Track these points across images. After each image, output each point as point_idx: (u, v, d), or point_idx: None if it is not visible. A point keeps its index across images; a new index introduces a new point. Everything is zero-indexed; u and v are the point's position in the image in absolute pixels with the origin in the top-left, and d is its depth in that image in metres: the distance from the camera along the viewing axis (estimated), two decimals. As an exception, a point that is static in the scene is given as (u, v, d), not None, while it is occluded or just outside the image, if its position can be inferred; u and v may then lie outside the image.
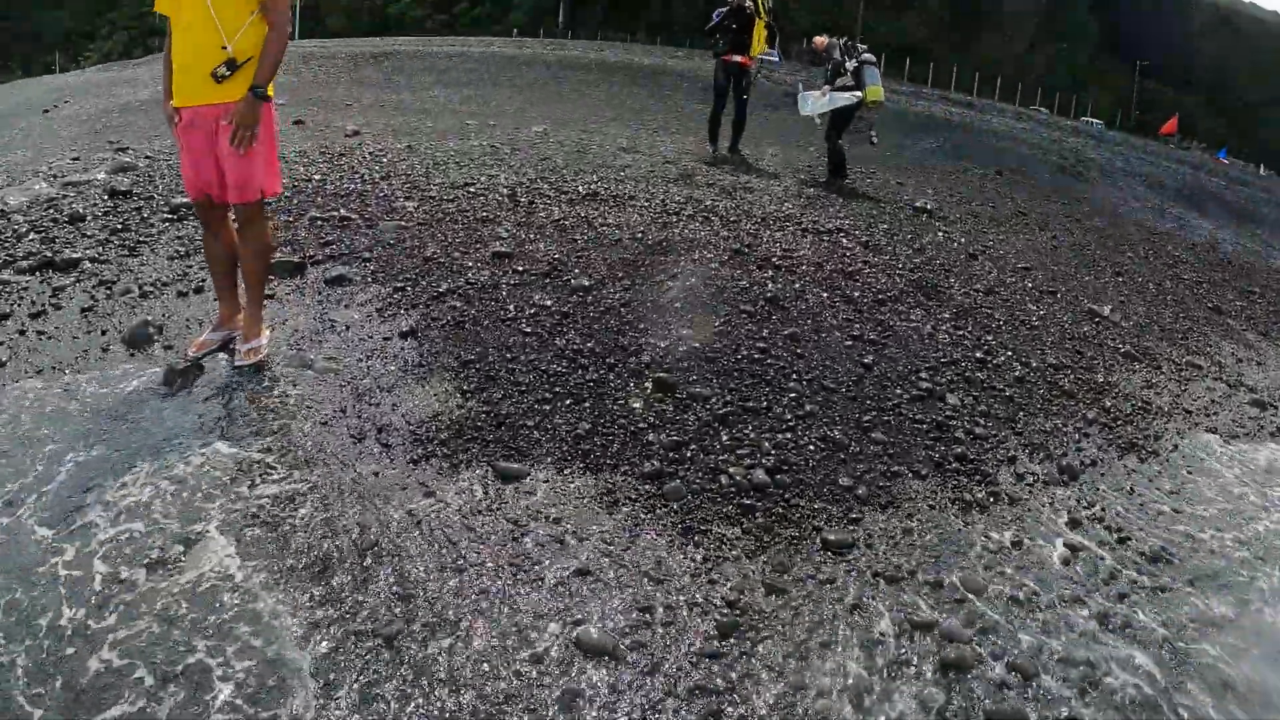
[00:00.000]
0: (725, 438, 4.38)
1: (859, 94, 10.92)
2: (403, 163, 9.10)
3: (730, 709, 3.01)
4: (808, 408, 4.74)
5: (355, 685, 2.94)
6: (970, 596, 3.71)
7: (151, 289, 5.83)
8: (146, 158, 9.89)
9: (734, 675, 3.14)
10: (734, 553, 3.71)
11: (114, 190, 7.88)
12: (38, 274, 6.05)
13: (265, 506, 3.75)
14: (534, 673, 3.05)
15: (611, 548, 3.64)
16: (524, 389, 4.64)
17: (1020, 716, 3.15)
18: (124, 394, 4.58)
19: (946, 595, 3.69)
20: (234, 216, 4.79)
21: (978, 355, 6.06)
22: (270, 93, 4.53)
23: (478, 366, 4.84)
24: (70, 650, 2.99)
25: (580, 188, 8.42)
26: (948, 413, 5.14)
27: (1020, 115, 30.69)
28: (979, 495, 4.47)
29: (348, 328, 5.34)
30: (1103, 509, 4.65)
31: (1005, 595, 3.77)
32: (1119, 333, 7.74)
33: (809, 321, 5.70)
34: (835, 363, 5.29)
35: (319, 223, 6.99)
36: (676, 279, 5.98)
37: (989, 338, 6.51)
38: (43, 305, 5.56)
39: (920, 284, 7.25)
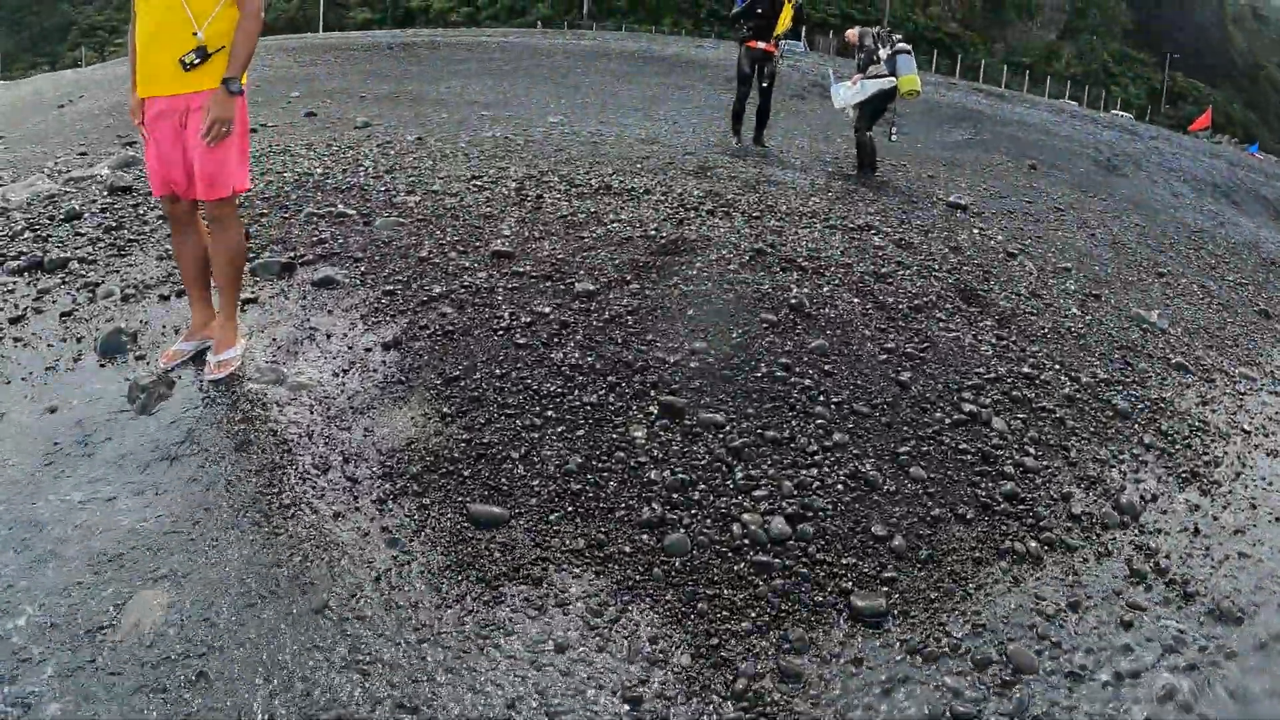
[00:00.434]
0: (740, 475, 3.71)
1: (892, 80, 10.18)
2: (410, 155, 8.48)
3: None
4: (836, 437, 4.07)
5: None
6: (1021, 677, 3.05)
7: (133, 292, 5.30)
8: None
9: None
10: (744, 625, 3.05)
11: (114, 186, 7.41)
12: (25, 275, 5.65)
13: (202, 555, 3.14)
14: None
15: (599, 619, 3.00)
16: (511, 412, 4.00)
17: None
18: (78, 415, 4.02)
19: (994, 675, 3.03)
20: (203, 215, 4.26)
21: (1024, 370, 5.36)
22: (244, 83, 4.01)
23: (462, 384, 4.20)
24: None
25: (593, 181, 7.75)
26: (994, 440, 4.46)
27: (1053, 108, 29.61)
28: (1030, 545, 3.79)
29: (329, 337, 4.74)
30: (1165, 556, 3.97)
31: (1060, 672, 3.11)
32: (1167, 341, 7.02)
33: (838, 332, 5.02)
34: (868, 381, 4.61)
35: (315, 219, 6.40)
36: (691, 283, 5.31)
37: (1034, 348, 5.81)
38: (25, 309, 5.13)
39: (959, 287, 6.55)
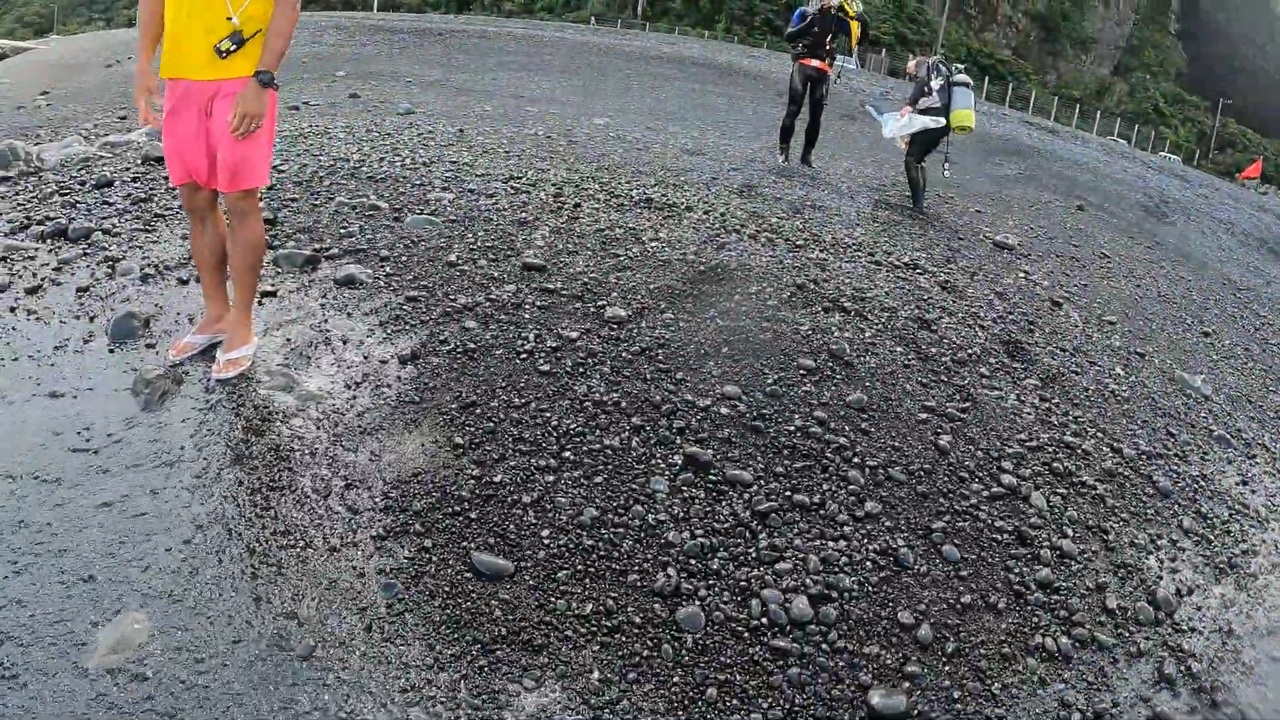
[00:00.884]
0: (764, 544, 3.43)
1: (941, 120, 9.82)
2: (450, 148, 8.23)
3: None
4: (869, 507, 3.77)
5: None
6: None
7: (153, 272, 5.11)
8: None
9: None
10: (754, 717, 2.78)
11: (148, 156, 7.24)
12: (49, 242, 5.49)
13: (191, 579, 2.91)
14: None
15: (599, 699, 2.73)
16: (527, 449, 3.73)
17: None
18: (80, 405, 3.82)
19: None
20: (224, 207, 4.03)
21: (1067, 438, 5.05)
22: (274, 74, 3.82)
23: (479, 412, 3.95)
24: None
25: (634, 192, 7.48)
26: (1032, 519, 4.15)
27: (1104, 147, 29.03)
28: (1061, 642, 3.49)
29: (345, 342, 4.50)
30: (1196, 659, 3.68)
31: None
32: (1210, 410, 6.68)
33: (879, 385, 4.72)
34: (906, 444, 4.31)
35: (345, 210, 6.17)
36: (727, 317, 5.03)
37: (1078, 413, 5.50)
38: (43, 280, 4.95)
39: (1003, 339, 6.24)
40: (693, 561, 3.28)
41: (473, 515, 3.36)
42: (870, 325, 5.41)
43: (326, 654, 2.78)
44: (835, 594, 3.29)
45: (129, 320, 4.56)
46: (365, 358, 4.38)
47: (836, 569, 3.40)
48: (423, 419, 3.92)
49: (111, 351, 4.32)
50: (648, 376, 4.29)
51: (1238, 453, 6.03)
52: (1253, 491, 5.49)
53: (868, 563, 3.48)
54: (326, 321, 4.69)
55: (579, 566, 3.19)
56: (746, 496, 3.63)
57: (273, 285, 5.01)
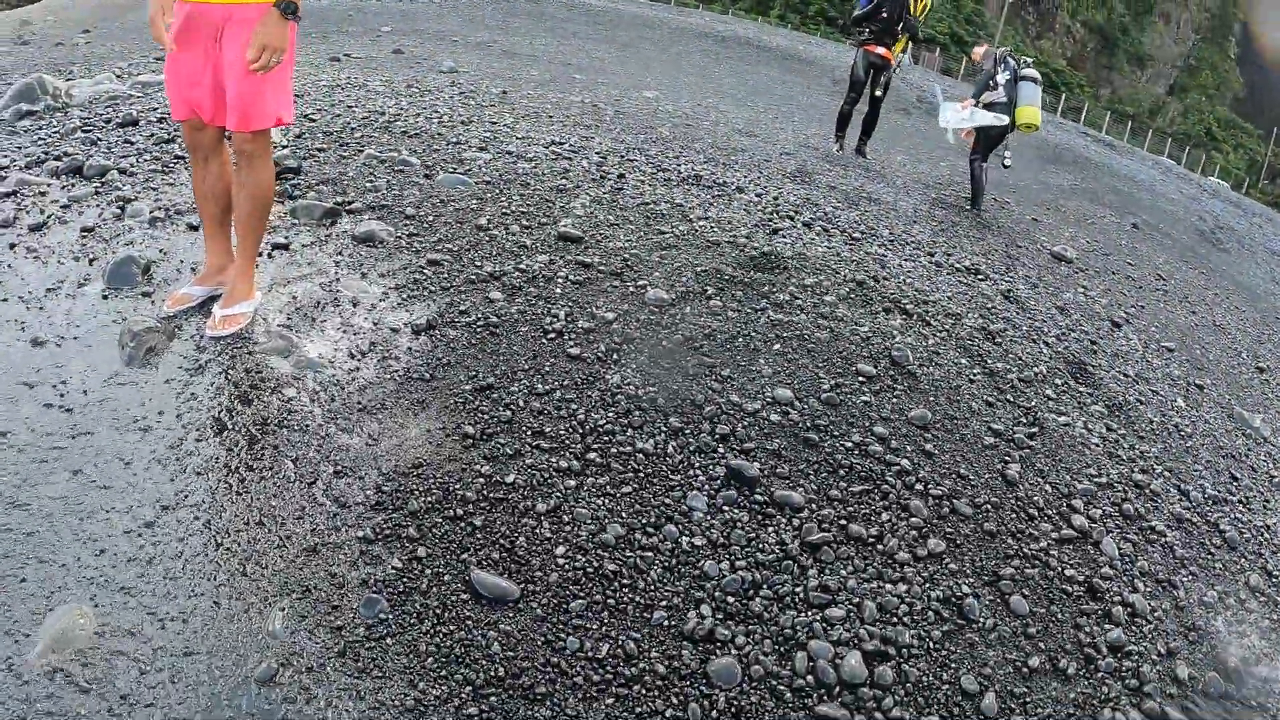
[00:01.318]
0: (814, 584, 2.89)
1: (1004, 119, 9.16)
2: (490, 109, 7.69)
3: None
4: (932, 544, 3.23)
5: None
6: None
7: (163, 216, 4.66)
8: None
9: None
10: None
11: None
12: (62, 179, 5.08)
13: (149, 571, 2.42)
14: None
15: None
16: (547, 446, 3.21)
17: None
18: (62, 354, 3.36)
19: None
20: (233, 148, 3.54)
21: (1136, 476, 4.50)
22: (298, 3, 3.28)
23: (495, 396, 3.43)
24: None
25: (682, 168, 6.91)
26: (1104, 569, 3.60)
27: (1159, 166, 28.00)
28: (1132, 717, 2.96)
29: (355, 305, 4.00)
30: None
31: None
32: (1269, 453, 6.09)
33: (943, 400, 4.16)
34: (973, 471, 3.76)
35: (374, 163, 5.66)
36: (781, 310, 4.47)
37: (1144, 447, 4.93)
38: (49, 217, 4.54)
39: (1068, 358, 5.65)
40: (731, 599, 2.74)
41: (477, 522, 2.85)
42: (933, 332, 4.84)
43: (290, 680, 2.29)
44: (893, 650, 2.75)
45: (128, 265, 4.11)
46: (375, 324, 3.87)
47: (895, 619, 2.86)
48: (431, 400, 3.40)
49: (105, 298, 3.88)
50: (690, 371, 3.75)
51: (1303, 501, 5.46)
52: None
53: (930, 613, 2.95)
54: (338, 281, 4.19)
55: (597, 596, 2.67)
56: (796, 523, 3.09)
57: (286, 237, 4.53)
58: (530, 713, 2.30)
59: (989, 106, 9.18)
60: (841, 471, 3.40)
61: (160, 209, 4.75)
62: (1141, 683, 3.15)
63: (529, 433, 3.25)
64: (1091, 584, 3.48)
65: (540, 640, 2.49)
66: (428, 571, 2.69)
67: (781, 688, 2.53)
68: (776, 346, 4.07)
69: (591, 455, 3.18)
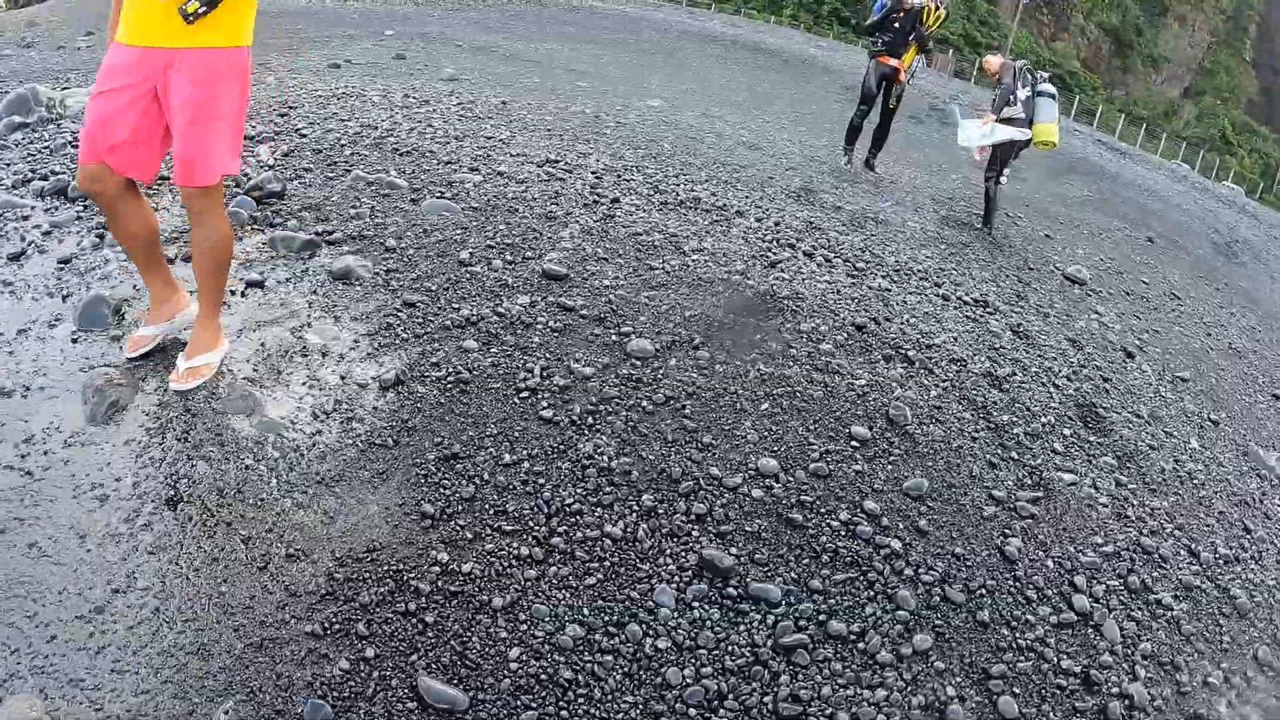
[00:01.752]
0: (785, 692, 2.63)
1: (1027, 132, 8.84)
2: (489, 121, 7.42)
3: None
4: (918, 640, 2.96)
5: None
6: None
7: None
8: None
9: None
10: None
11: None
12: (46, 200, 4.85)
13: (89, 665, 2.18)
14: None
15: None
16: (510, 528, 2.96)
17: None
18: (26, 407, 3.14)
19: None
20: (183, 204, 3.34)
21: (1144, 539, 4.23)
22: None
23: (460, 468, 3.18)
24: None
25: (681, 189, 6.63)
26: (1104, 656, 3.34)
27: (1174, 175, 27.44)
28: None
29: (324, 355, 3.75)
30: None
31: None
32: (1284, 495, 5.81)
33: (941, 465, 3.89)
34: (969, 549, 3.49)
35: (360, 185, 5.41)
36: (773, 361, 4.20)
37: (1155, 503, 4.67)
38: (28, 245, 4.32)
39: (1078, 401, 5.37)
40: (692, 712, 2.49)
41: (429, 619, 2.60)
42: (936, 382, 4.57)
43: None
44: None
45: (98, 305, 3.87)
46: (343, 378, 3.63)
47: (876, 734, 2.61)
48: (393, 471, 3.16)
49: (75, 341, 3.63)
50: (669, 437, 3.49)
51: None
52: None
53: (915, 724, 2.69)
54: (310, 325, 3.94)
55: (550, 708, 2.42)
56: (771, 621, 2.83)
57: (261, 273, 4.28)
58: None
59: (1008, 122, 8.86)
60: (826, 557, 3.13)
61: (137, 236, 4.53)
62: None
63: (491, 512, 3.00)
64: (1088, 675, 3.22)
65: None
66: (375, 675, 2.45)
67: (748, 826, 2.28)
68: (765, 406, 3.81)
69: (556, 540, 2.93)
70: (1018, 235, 9.68)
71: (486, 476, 3.14)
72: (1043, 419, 4.85)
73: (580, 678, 2.52)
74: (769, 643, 2.74)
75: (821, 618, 2.89)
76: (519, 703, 2.43)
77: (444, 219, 5.11)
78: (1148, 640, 3.58)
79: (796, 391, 3.96)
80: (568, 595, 2.74)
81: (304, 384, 3.57)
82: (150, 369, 3.48)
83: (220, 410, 3.33)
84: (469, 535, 2.89)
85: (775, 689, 2.63)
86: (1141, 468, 5.01)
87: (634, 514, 3.07)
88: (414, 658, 2.50)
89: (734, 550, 3.02)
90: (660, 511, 3.10)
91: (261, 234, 4.73)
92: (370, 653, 2.49)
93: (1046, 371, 5.58)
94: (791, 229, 6.38)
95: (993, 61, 9.64)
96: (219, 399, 3.39)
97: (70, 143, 5.89)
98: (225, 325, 3.86)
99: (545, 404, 3.53)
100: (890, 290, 5.65)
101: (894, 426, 3.97)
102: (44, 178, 5.20)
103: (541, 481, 3.15)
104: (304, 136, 6.23)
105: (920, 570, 3.25)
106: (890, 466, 3.71)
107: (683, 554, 2.96)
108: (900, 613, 3.02)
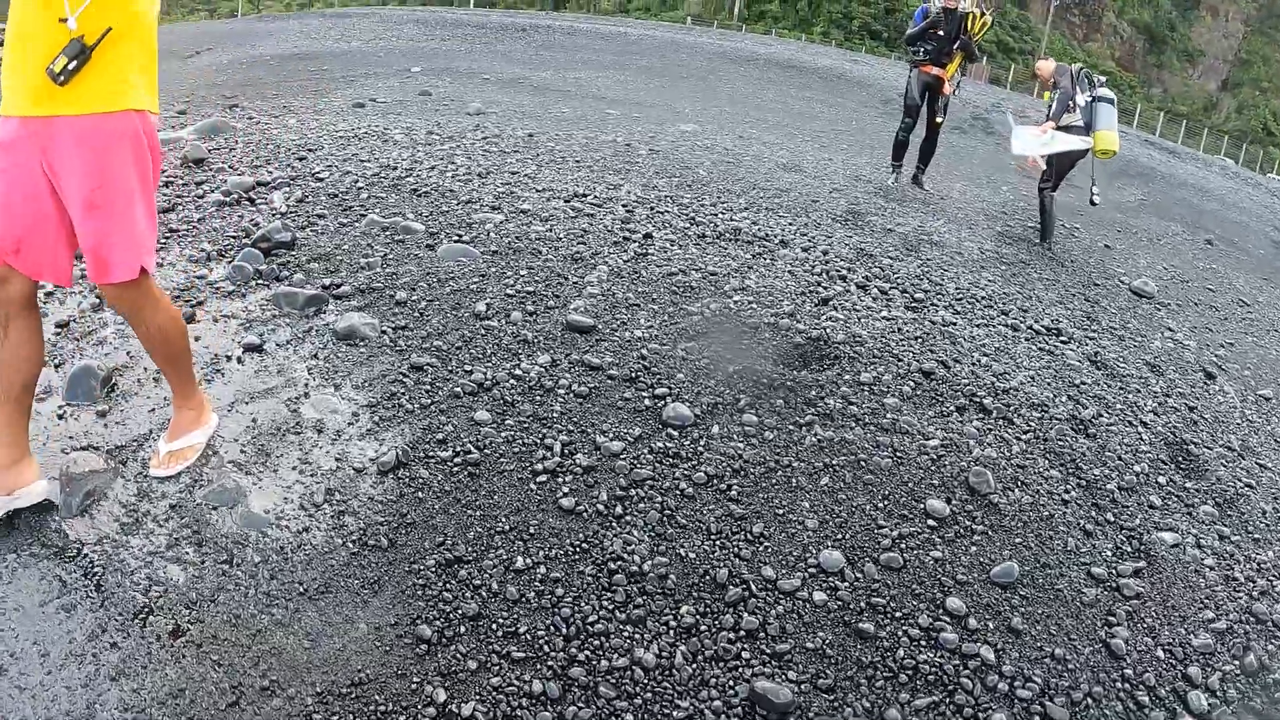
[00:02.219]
0: None
1: (1088, 140, 8.12)
2: (513, 156, 6.90)
3: None
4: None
5: None
6: None
7: None
8: (249, 118, 8.04)
9: None
10: None
11: (189, 158, 6.12)
12: None
13: None
14: None
15: None
16: (521, 656, 2.39)
17: None
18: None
19: None
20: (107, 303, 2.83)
21: (1255, 606, 3.57)
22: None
23: (464, 576, 2.62)
24: None
25: (719, 219, 6.05)
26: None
27: (1226, 171, 26.21)
28: None
29: (320, 433, 3.23)
30: None
31: None
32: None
33: (1031, 539, 3.25)
34: (1069, 647, 2.85)
35: (375, 230, 4.92)
36: (831, 424, 3.57)
37: (1261, 555, 4.01)
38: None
39: (1169, 440, 4.69)
40: None
41: (417, 791, 2.04)
42: (1017, 434, 3.92)
43: None
44: None
45: (85, 377, 3.43)
46: (337, 460, 3.10)
47: None
48: (386, 580, 2.61)
49: (61, 417, 3.19)
50: (712, 528, 2.89)
51: None
52: None
53: None
54: (307, 396, 3.43)
55: None
56: (847, 775, 2.23)
57: (260, 335, 3.79)
58: None
59: (1066, 129, 8.15)
60: (904, 676, 2.52)
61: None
62: None
63: (499, 634, 2.43)
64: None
65: None
66: None
67: None
68: (825, 480, 3.20)
69: (576, 671, 2.35)
70: (1077, 248, 8.95)
71: (495, 587, 2.58)
72: (1135, 468, 4.19)
73: None
74: (844, 807, 2.13)
75: (906, 764, 2.28)
76: None
77: (461, 265, 4.59)
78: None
79: (861, 460, 3.34)
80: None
81: (294, 468, 3.05)
82: (135, 449, 3.02)
83: (201, 501, 2.84)
84: (471, 665, 2.33)
85: None
86: (1243, 514, 4.33)
87: (670, 633, 2.48)
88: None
89: (793, 676, 2.42)
90: (703, 629, 2.51)
91: (267, 289, 4.26)
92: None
93: (1132, 407, 4.90)
94: (841, 258, 5.76)
95: (1045, 66, 8.94)
96: (201, 486, 2.90)
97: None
98: (215, 398, 3.39)
99: (566, 490, 2.96)
100: (955, 324, 5.01)
101: (975, 496, 3.34)
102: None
103: (560, 593, 2.58)
104: (320, 180, 5.77)
105: (1016, 683, 2.62)
106: (974, 548, 3.08)
107: (730, 685, 2.37)
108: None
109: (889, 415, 3.66)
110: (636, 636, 2.46)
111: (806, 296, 4.86)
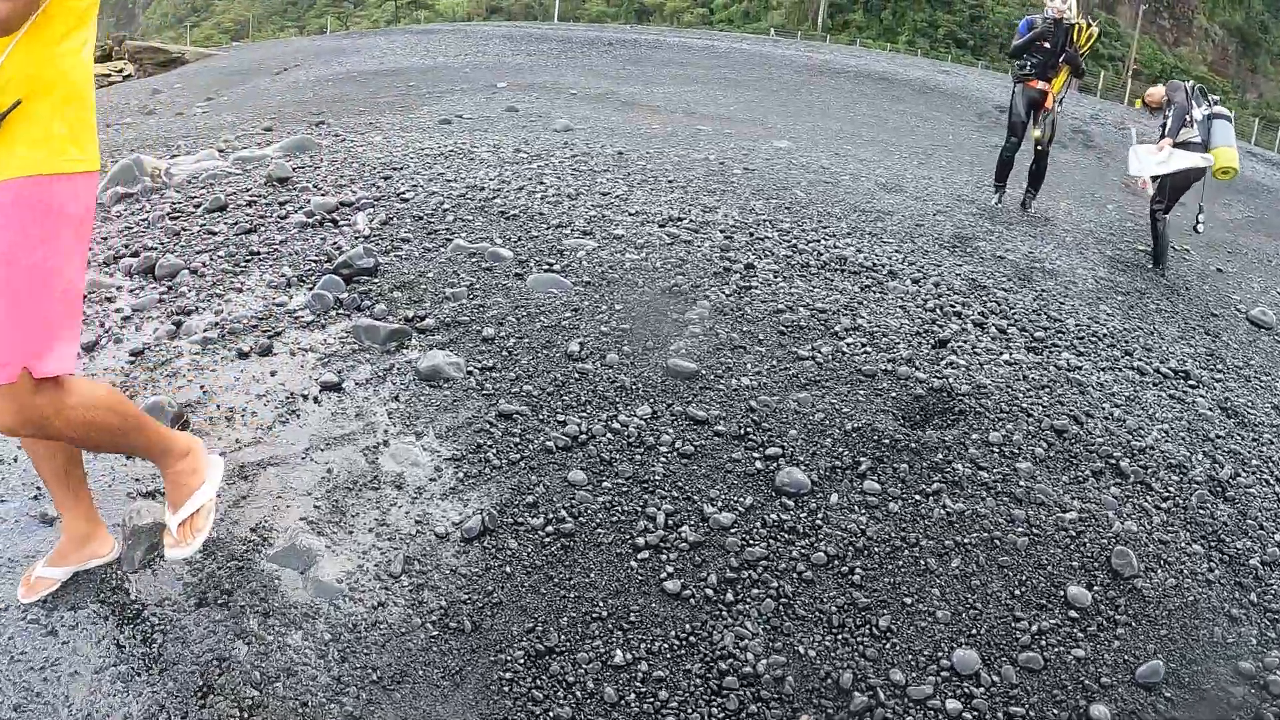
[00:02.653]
0: None
1: (1208, 158, 7.50)
2: (605, 174, 6.59)
3: None
4: None
5: None
6: None
7: (215, 336, 3.81)
8: (335, 135, 7.92)
9: None
10: None
11: (273, 176, 6.03)
12: (134, 278, 4.46)
13: None
14: None
15: None
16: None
17: None
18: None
19: None
20: None
21: None
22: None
23: (555, 671, 2.29)
24: None
25: (821, 247, 5.64)
26: None
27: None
28: None
29: (399, 488, 2.94)
30: None
31: None
32: None
33: (1176, 631, 2.76)
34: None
35: (460, 258, 4.66)
36: (959, 493, 3.14)
37: None
38: (105, 333, 3.83)
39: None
40: None
41: None
42: (1156, 502, 3.43)
43: None
44: None
45: (155, 415, 3.19)
46: (418, 522, 2.81)
47: None
48: (468, 671, 2.29)
49: (126, 459, 2.96)
50: (834, 619, 2.51)
51: None
52: None
53: None
54: (386, 445, 3.15)
55: None
56: None
57: (339, 373, 3.53)
58: None
59: (1183, 146, 7.55)
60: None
61: (215, 326, 3.91)
62: None
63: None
64: None
65: None
66: None
67: None
68: (955, 563, 2.78)
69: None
70: (1190, 273, 8.28)
71: (590, 686, 2.24)
72: (1276, 536, 3.66)
73: None
74: None
75: None
76: None
77: (552, 297, 4.28)
78: None
79: (995, 538, 2.91)
80: None
81: (371, 530, 2.77)
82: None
83: (269, 564, 2.56)
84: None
85: None
86: None
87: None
88: None
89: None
90: (831, 754, 2.13)
91: (347, 319, 4.03)
92: None
93: (1267, 462, 4.34)
94: (954, 290, 5.30)
95: (1155, 92, 8.36)
96: (270, 544, 2.63)
97: (169, 214, 5.38)
98: (290, 443, 3.13)
99: (671, 569, 2.60)
100: (1081, 368, 4.51)
101: (1118, 580, 2.89)
102: (135, 254, 4.74)
103: (664, 696, 2.22)
104: (405, 201, 5.54)
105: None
106: (1118, 643, 2.63)
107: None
108: None
109: (1023, 483, 3.22)
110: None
111: (922, 337, 4.43)
